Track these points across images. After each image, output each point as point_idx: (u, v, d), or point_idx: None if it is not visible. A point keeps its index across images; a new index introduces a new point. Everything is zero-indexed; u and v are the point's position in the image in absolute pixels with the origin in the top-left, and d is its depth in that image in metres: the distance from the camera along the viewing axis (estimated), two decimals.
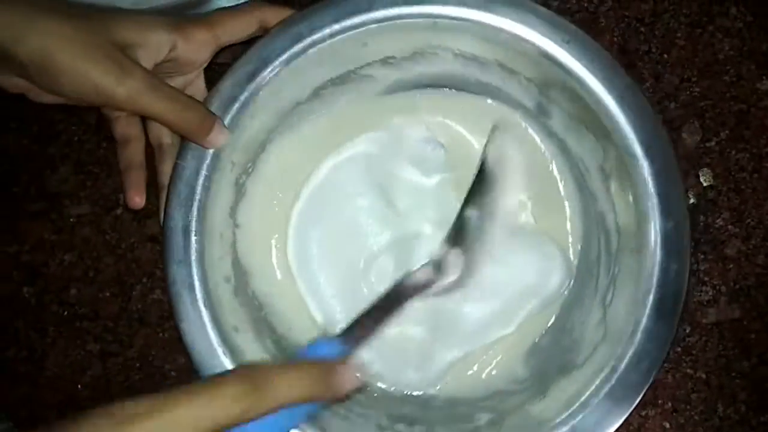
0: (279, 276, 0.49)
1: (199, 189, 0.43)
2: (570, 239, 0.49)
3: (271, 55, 0.43)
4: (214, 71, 0.46)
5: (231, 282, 0.45)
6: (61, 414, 0.50)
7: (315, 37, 0.43)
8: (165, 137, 0.46)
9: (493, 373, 0.49)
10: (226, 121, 0.43)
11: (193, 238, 0.43)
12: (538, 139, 0.49)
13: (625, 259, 0.44)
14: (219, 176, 0.44)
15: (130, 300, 0.51)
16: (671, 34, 0.52)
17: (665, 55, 0.52)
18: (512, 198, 0.46)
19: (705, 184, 0.51)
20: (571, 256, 0.49)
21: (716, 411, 0.50)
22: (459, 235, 0.45)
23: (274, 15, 0.44)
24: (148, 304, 0.51)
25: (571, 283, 0.49)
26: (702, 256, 0.50)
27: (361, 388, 0.41)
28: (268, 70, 0.43)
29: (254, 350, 0.44)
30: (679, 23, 0.52)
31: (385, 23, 0.43)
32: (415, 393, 0.49)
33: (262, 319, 0.47)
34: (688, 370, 0.50)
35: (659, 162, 0.42)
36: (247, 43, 0.44)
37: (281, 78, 0.44)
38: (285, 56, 0.43)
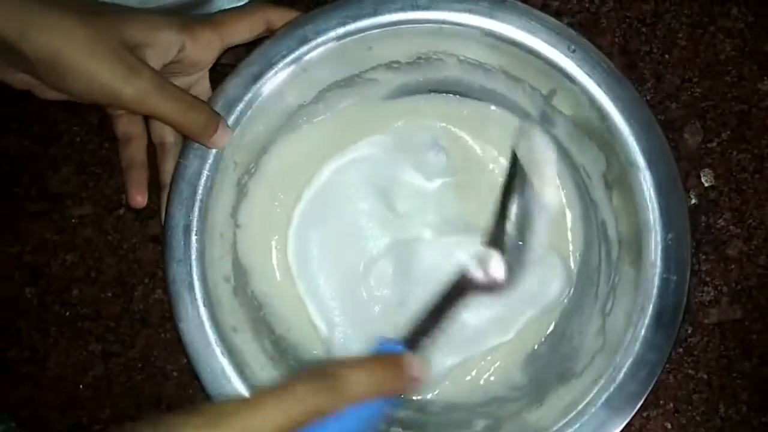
0: (278, 277, 0.49)
1: (200, 188, 0.43)
2: (571, 247, 0.49)
3: (276, 57, 0.43)
4: (218, 72, 0.46)
5: (231, 282, 0.46)
6: (63, 414, 0.50)
7: (320, 39, 0.43)
8: (168, 136, 0.46)
9: (491, 379, 0.49)
10: (230, 122, 0.43)
11: (194, 237, 0.43)
12: None
13: (626, 269, 0.44)
14: (221, 176, 0.44)
15: (131, 300, 0.51)
16: (672, 35, 0.52)
17: (666, 56, 0.52)
18: (551, 192, 0.45)
19: (706, 185, 0.51)
20: (572, 265, 0.49)
21: (718, 411, 0.50)
22: (499, 236, 0.44)
23: (279, 16, 0.44)
24: (150, 305, 0.51)
25: (571, 291, 0.49)
26: (703, 257, 0.50)
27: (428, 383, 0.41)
28: (273, 71, 0.43)
29: (253, 350, 0.45)
30: (680, 24, 0.52)
31: (391, 28, 0.43)
32: (412, 398, 0.49)
33: (260, 320, 0.47)
34: (690, 371, 0.50)
35: (661, 173, 0.42)
36: (251, 45, 0.44)
37: (285, 80, 0.44)
38: (290, 58, 0.43)
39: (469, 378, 0.49)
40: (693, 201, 0.51)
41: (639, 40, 0.52)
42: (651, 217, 0.42)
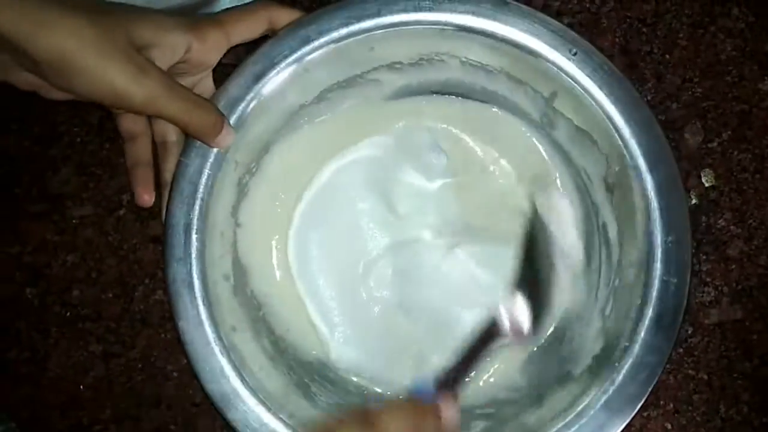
0: (278, 276, 0.49)
1: (201, 187, 0.43)
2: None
3: (278, 57, 0.43)
4: (219, 72, 0.46)
5: (230, 281, 0.46)
6: (64, 415, 0.50)
7: (323, 40, 0.43)
8: (170, 135, 0.45)
9: (491, 380, 0.49)
10: (232, 121, 0.43)
11: (194, 236, 0.43)
12: (542, 150, 0.49)
13: (626, 272, 0.44)
14: (222, 175, 0.44)
15: (132, 301, 0.51)
16: (673, 35, 0.52)
17: (667, 56, 0.52)
18: (571, 241, 0.45)
19: (707, 185, 0.51)
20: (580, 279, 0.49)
21: (718, 412, 0.50)
22: (522, 285, 0.44)
23: (282, 14, 0.44)
24: (151, 305, 0.51)
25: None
26: (704, 257, 0.50)
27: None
28: (275, 71, 0.43)
29: (252, 350, 0.45)
30: (681, 24, 0.52)
31: (393, 29, 0.43)
32: None
33: (260, 319, 0.47)
34: (690, 371, 0.50)
35: (662, 175, 0.43)
36: (251, 44, 0.44)
37: (287, 80, 0.44)
38: (292, 58, 0.43)
39: (468, 380, 0.49)
40: (693, 201, 0.51)
41: (640, 40, 0.52)
42: (651, 219, 0.42)
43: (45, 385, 0.50)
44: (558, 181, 0.49)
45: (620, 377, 0.42)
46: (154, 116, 0.44)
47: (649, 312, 0.42)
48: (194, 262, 0.43)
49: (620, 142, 0.43)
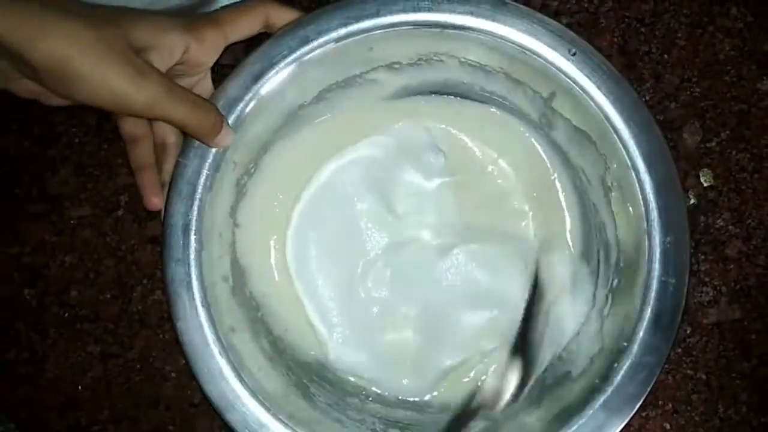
0: (277, 277, 0.49)
1: (200, 187, 0.43)
2: (570, 250, 0.49)
3: (277, 57, 0.43)
4: (217, 72, 0.46)
5: (229, 282, 0.45)
6: (62, 415, 0.50)
7: (321, 40, 0.43)
8: (169, 136, 0.45)
9: (488, 381, 0.49)
10: (231, 121, 0.43)
11: (193, 237, 0.43)
12: (541, 150, 0.49)
13: (624, 272, 0.44)
14: (221, 175, 0.44)
15: (130, 302, 0.51)
16: (671, 35, 0.52)
17: (666, 56, 0.52)
18: (566, 306, 0.47)
19: (705, 185, 0.51)
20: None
21: (717, 412, 0.50)
22: (523, 346, 0.46)
23: (278, 11, 0.44)
24: (149, 306, 0.51)
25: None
26: (702, 257, 0.50)
27: None
28: (274, 71, 0.43)
29: (250, 350, 0.45)
30: (679, 23, 0.52)
31: (392, 29, 0.43)
32: (410, 399, 0.49)
33: (258, 320, 0.47)
34: (689, 371, 0.50)
35: (660, 176, 0.43)
36: (250, 45, 0.44)
37: (286, 80, 0.44)
38: (291, 58, 0.43)
39: (466, 380, 0.49)
40: (692, 201, 0.51)
41: (638, 40, 0.52)
42: (650, 219, 0.42)
43: (43, 385, 0.50)
44: (557, 181, 0.49)
45: (619, 377, 0.42)
46: (154, 119, 0.44)
47: (648, 312, 0.42)
48: (192, 262, 0.43)
49: (619, 143, 0.43)
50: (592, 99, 0.43)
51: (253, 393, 0.42)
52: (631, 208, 0.43)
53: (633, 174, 0.43)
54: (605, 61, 0.43)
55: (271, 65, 0.43)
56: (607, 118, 0.43)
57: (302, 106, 0.47)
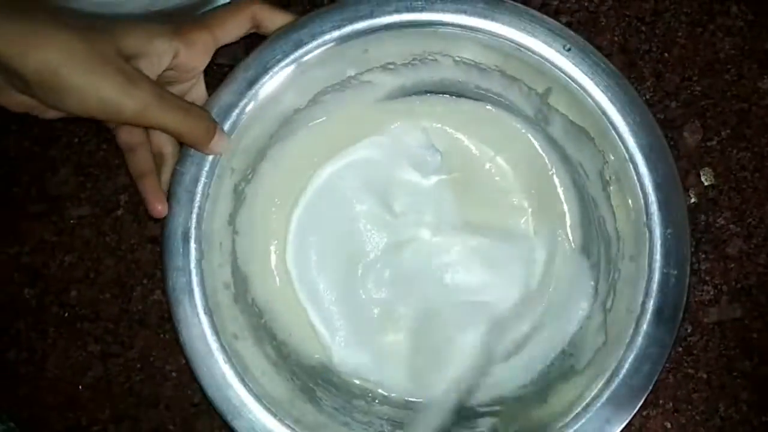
0: (278, 282, 0.49)
1: (198, 196, 0.43)
2: (570, 244, 0.49)
3: (271, 62, 0.43)
4: (216, 72, 0.46)
5: (231, 289, 0.45)
6: (62, 415, 0.50)
7: (315, 43, 0.43)
8: (166, 146, 0.44)
9: (495, 379, 0.49)
10: (226, 128, 0.43)
11: (193, 246, 0.43)
12: (538, 146, 0.49)
13: (625, 265, 0.44)
14: (218, 183, 0.44)
15: (130, 301, 0.51)
16: (672, 33, 0.52)
17: (666, 54, 0.51)
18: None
19: (706, 184, 0.51)
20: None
21: (718, 411, 0.50)
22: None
23: (266, 11, 0.43)
24: (149, 306, 0.51)
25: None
26: (703, 256, 0.50)
27: None
28: (268, 76, 0.43)
29: (255, 357, 0.45)
30: (679, 22, 0.52)
31: (386, 30, 0.43)
32: (415, 399, 0.49)
33: (261, 326, 0.47)
34: (690, 370, 0.50)
35: (659, 169, 0.43)
36: (251, 43, 0.44)
37: (281, 84, 0.43)
38: (285, 62, 0.43)
39: (470, 378, 0.49)
40: (693, 200, 0.51)
41: (638, 38, 0.51)
42: (650, 212, 0.42)
43: (43, 385, 0.50)
44: (555, 177, 0.49)
45: (624, 370, 0.42)
46: (146, 127, 0.43)
47: (651, 305, 0.42)
48: (193, 271, 0.43)
49: (616, 136, 0.43)
50: (588, 94, 0.43)
51: (259, 399, 0.42)
52: (630, 201, 0.43)
53: (631, 167, 0.43)
54: (600, 55, 0.43)
55: (265, 70, 0.43)
56: (604, 113, 0.43)
57: (298, 110, 0.46)
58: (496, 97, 0.48)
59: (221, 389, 0.42)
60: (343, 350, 0.49)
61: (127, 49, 0.38)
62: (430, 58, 0.46)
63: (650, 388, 0.42)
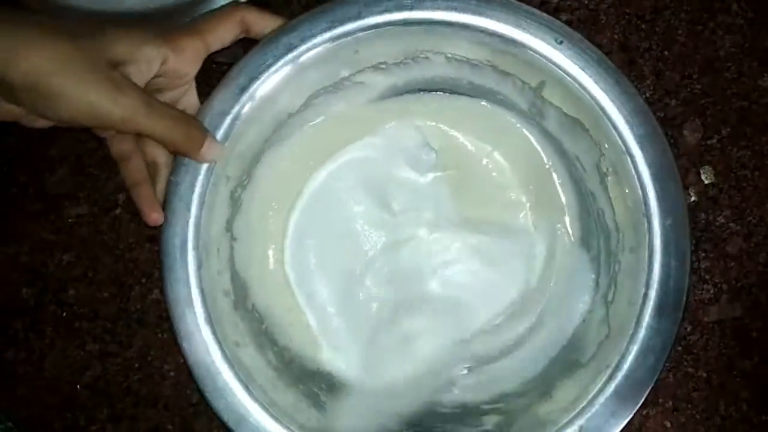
0: (277, 287, 0.49)
1: (194, 204, 0.43)
2: (569, 238, 0.49)
3: (262, 67, 0.43)
4: (213, 70, 0.46)
5: (230, 296, 0.45)
6: (61, 415, 0.50)
7: (306, 46, 0.43)
8: (159, 156, 0.44)
9: (498, 376, 0.48)
10: (219, 135, 0.43)
11: (191, 254, 0.42)
12: (533, 140, 0.49)
13: (625, 257, 0.44)
14: (214, 190, 0.43)
15: (128, 300, 0.51)
16: (672, 31, 0.51)
17: (666, 52, 0.51)
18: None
19: (706, 182, 0.51)
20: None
21: (717, 410, 0.50)
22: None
23: (255, 15, 0.43)
24: (147, 305, 0.51)
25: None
26: (703, 254, 0.50)
27: None
28: (260, 81, 0.43)
29: (257, 363, 0.44)
30: (679, 20, 0.51)
31: (376, 30, 0.43)
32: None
33: (263, 332, 0.47)
34: (689, 369, 0.50)
35: (656, 158, 0.42)
36: (251, 43, 0.44)
37: (273, 89, 0.43)
38: (276, 67, 0.43)
39: (472, 376, 0.49)
40: (693, 198, 0.50)
41: (638, 36, 0.51)
42: (648, 203, 0.42)
43: (42, 385, 0.50)
44: (552, 171, 0.49)
45: (628, 363, 0.42)
46: (134, 133, 0.42)
47: (653, 296, 0.42)
48: (192, 280, 0.42)
49: (611, 127, 0.43)
50: (581, 86, 0.43)
51: (263, 406, 0.42)
52: (628, 193, 0.43)
53: (627, 158, 0.42)
54: (593, 47, 0.43)
55: (257, 75, 0.43)
56: (598, 104, 0.43)
57: (291, 114, 0.46)
58: (489, 92, 0.48)
59: (226, 398, 0.42)
60: (343, 353, 0.49)
61: (116, 55, 0.38)
62: (421, 56, 0.46)
63: (655, 379, 0.41)
